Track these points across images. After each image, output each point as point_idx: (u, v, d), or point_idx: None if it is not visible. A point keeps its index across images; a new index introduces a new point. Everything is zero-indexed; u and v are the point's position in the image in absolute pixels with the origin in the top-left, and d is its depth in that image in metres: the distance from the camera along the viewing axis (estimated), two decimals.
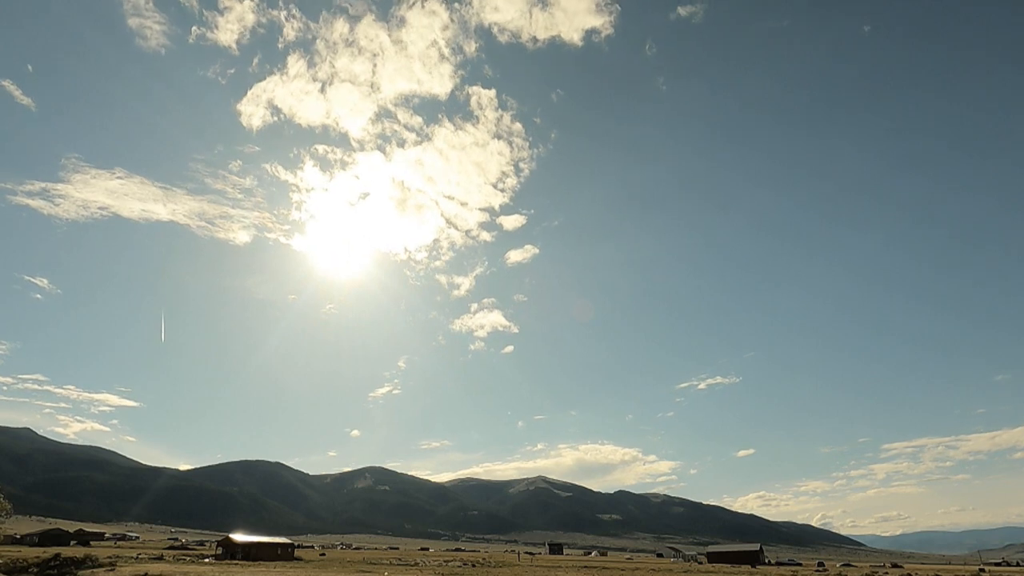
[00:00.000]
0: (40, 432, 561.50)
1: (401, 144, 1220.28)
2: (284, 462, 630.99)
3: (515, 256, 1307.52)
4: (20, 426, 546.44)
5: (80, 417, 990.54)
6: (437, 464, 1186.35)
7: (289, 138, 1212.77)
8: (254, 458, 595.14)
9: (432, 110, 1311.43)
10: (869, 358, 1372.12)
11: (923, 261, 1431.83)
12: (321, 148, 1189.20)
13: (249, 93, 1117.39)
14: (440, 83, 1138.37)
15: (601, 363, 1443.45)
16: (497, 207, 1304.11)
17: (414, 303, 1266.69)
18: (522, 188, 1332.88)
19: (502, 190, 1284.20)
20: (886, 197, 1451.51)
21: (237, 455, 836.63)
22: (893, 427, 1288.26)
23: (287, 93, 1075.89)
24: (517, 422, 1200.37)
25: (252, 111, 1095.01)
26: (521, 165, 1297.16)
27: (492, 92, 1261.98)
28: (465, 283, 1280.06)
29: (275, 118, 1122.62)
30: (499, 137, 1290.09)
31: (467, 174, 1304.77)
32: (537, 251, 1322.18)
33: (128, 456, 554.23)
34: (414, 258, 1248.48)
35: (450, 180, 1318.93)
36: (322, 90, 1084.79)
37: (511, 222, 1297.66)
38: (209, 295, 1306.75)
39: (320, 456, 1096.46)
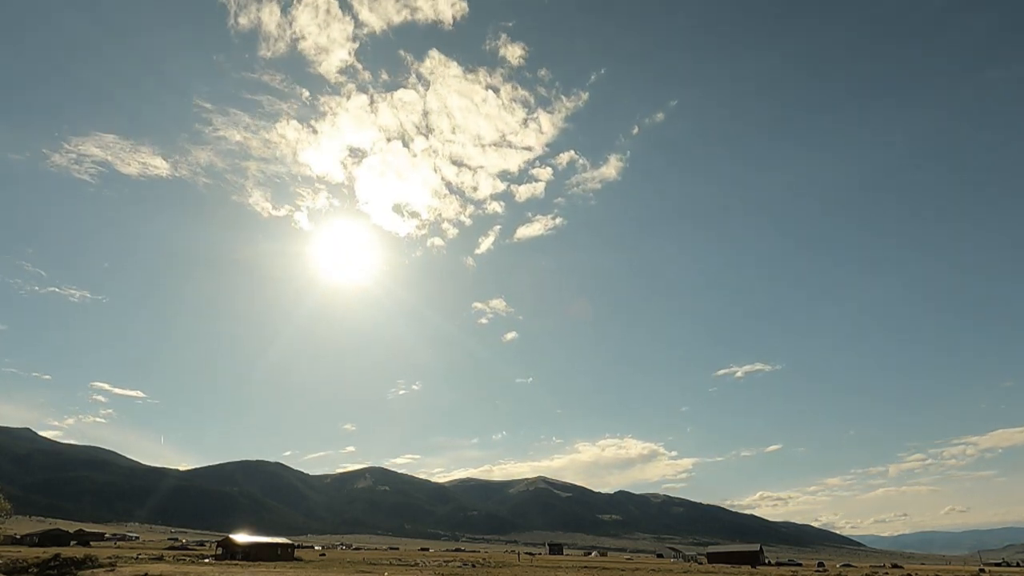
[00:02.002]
0: (35, 429, 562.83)
1: (391, 88, 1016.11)
2: (284, 462, 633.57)
3: (529, 231, 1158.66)
4: (20, 426, 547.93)
5: (74, 409, 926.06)
6: (449, 462, 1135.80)
7: (262, 76, 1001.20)
8: (254, 458, 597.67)
9: (430, 43, 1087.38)
10: (894, 357, 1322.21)
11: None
12: (295, 89, 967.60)
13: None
14: (444, 7, 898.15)
15: (628, 349, 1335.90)
16: (515, 170, 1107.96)
17: (417, 290, 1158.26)
18: (546, 147, 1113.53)
19: (526, 148, 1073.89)
20: (924, 198, 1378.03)
21: (237, 455, 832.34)
22: (915, 425, 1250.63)
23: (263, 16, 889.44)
24: (532, 419, 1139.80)
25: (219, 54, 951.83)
26: (543, 118, 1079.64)
27: (511, 23, 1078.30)
28: (470, 262, 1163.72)
29: (245, 53, 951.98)
30: (520, 83, 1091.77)
31: (476, 130, 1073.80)
32: (557, 223, 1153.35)
33: (128, 456, 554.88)
34: (414, 236, 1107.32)
35: (455, 139, 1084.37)
36: (285, 11, 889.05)
37: (527, 191, 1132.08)
38: (215, 274, 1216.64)
39: (324, 454, 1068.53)
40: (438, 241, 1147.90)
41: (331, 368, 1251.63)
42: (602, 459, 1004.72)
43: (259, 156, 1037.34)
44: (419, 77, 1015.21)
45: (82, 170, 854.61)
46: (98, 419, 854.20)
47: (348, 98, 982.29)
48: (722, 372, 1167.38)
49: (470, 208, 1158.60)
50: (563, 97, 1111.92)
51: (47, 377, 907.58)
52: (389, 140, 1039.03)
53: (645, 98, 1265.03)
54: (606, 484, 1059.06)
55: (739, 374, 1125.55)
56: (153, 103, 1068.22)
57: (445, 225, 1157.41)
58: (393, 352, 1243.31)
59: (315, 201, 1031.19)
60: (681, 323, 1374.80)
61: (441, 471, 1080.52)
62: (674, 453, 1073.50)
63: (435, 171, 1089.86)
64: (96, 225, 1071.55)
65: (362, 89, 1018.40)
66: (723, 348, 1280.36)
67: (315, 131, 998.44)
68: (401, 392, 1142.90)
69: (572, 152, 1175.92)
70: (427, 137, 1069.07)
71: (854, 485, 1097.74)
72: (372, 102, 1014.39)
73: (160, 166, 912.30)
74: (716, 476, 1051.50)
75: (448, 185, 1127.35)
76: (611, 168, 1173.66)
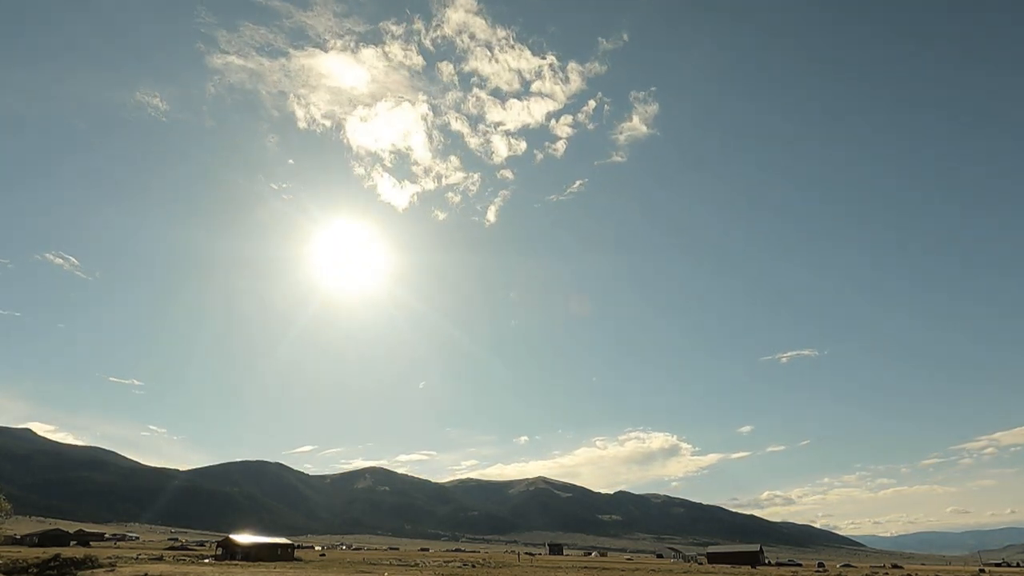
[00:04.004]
0: (28, 422, 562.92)
1: (379, 39, 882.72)
2: (290, 462, 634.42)
3: (546, 199, 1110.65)
4: (20, 425, 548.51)
5: (69, 402, 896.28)
6: (464, 458, 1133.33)
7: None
8: (255, 459, 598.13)
9: None
10: (930, 349, 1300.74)
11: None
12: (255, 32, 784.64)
13: None
14: None
15: (655, 338, 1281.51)
16: (535, 124, 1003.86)
17: (419, 277, 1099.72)
18: (568, 102, 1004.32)
19: (546, 96, 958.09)
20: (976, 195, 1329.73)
21: (238, 456, 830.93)
22: (938, 422, 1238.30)
23: None
24: (550, 413, 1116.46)
25: None
26: (570, 72, 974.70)
27: None
28: (477, 235, 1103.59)
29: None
30: (537, 31, 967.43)
31: (489, 83, 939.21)
32: (576, 188, 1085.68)
33: (128, 457, 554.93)
34: (415, 206, 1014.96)
35: (464, 99, 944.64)
36: None
37: (544, 150, 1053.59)
38: (218, 259, 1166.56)
39: (339, 449, 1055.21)
40: (440, 214, 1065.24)
41: (336, 365, 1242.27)
42: (621, 454, 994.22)
43: (273, 91, 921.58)
44: (422, 10, 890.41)
45: (73, 114, 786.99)
46: (95, 412, 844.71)
47: (332, 37, 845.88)
48: (766, 359, 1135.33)
49: (478, 173, 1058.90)
50: (601, 39, 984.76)
51: (37, 365, 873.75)
52: (384, 90, 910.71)
53: (685, 35, 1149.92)
54: (624, 482, 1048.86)
55: (784, 360, 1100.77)
56: (151, 23, 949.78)
57: (450, 194, 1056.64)
58: (400, 347, 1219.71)
59: (310, 162, 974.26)
60: (719, 307, 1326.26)
61: (455, 468, 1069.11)
62: (697, 449, 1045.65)
63: (441, 128, 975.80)
64: (91, 187, 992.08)
65: (348, 24, 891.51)
66: (770, 333, 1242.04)
67: (301, 81, 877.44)
68: (421, 385, 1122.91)
69: (600, 95, 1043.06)
70: (426, 90, 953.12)
71: (866, 482, 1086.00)
72: (359, 41, 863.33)
73: (160, 106, 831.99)
74: (737, 473, 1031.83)
75: (454, 142, 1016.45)
76: (639, 121, 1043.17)
